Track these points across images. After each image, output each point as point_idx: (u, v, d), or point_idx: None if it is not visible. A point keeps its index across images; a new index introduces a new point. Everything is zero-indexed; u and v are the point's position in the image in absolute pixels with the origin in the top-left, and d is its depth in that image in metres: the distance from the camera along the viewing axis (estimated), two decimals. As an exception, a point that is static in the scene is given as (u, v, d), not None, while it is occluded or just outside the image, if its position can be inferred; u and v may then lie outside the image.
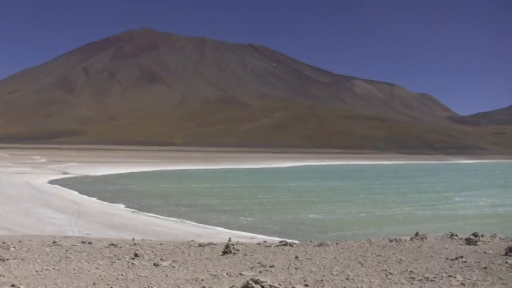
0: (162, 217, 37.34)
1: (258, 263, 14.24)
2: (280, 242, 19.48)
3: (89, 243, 18.32)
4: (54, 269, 12.77)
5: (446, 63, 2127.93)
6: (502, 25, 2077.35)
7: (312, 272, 12.86)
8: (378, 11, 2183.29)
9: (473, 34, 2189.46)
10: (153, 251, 16.50)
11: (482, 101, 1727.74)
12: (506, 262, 13.73)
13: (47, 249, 16.19)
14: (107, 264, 13.74)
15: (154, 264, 13.80)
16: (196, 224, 34.41)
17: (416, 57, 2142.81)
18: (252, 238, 26.73)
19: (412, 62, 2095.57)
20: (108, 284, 11.34)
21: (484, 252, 15.69)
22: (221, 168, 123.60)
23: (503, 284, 11.28)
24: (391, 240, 19.02)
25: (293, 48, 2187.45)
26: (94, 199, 48.13)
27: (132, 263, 13.94)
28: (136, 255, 15.02)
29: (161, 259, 14.79)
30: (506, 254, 15.08)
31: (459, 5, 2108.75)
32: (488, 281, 11.65)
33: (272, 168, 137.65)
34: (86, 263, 13.79)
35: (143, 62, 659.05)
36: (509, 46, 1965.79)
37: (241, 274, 12.53)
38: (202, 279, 11.91)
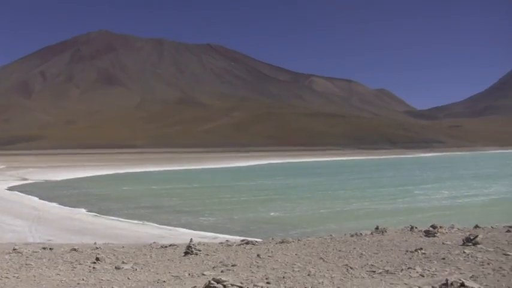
0: (124, 220, 37.10)
1: (220, 262, 14.26)
2: (242, 240, 19.52)
3: (50, 249, 18.09)
4: (14, 276, 12.61)
5: (402, 58, 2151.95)
6: (456, 18, 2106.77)
7: (273, 269, 12.92)
8: (334, 8, 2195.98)
9: (427, 28, 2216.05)
10: (114, 255, 16.40)
11: (439, 95, 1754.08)
12: (464, 252, 13.98)
13: (7, 256, 15.96)
14: (68, 270, 13.62)
15: (115, 268, 13.72)
16: (158, 225, 34.26)
17: (374, 53, 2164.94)
18: (214, 238, 26.72)
19: (369, 58, 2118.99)
20: (69, 289, 11.26)
21: (443, 243, 15.94)
22: (182, 169, 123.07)
23: (460, 273, 11.47)
24: (352, 235, 19.19)
25: (251, 47, 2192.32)
26: (54, 204, 47.54)
27: (94, 267, 13.85)
28: (97, 259, 14.92)
29: (123, 262, 14.72)
30: (463, 244, 15.35)
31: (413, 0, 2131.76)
32: (446, 271, 11.84)
33: (233, 167, 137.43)
34: (46, 269, 13.64)
35: (101, 65, 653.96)
36: (462, 40, 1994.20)
37: (203, 274, 12.53)
38: (164, 281, 11.90)
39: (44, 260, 15.38)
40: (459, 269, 12.03)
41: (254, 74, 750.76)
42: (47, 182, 79.31)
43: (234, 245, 18.45)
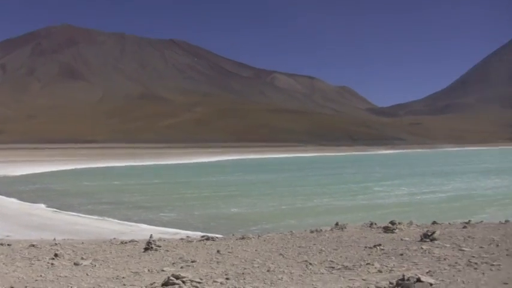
0: (85, 215, 36.72)
1: (180, 258, 14.27)
2: (203, 236, 19.57)
3: (8, 245, 17.89)
4: (-30, 273, 12.44)
5: (364, 56, 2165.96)
6: (416, 16, 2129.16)
7: (233, 265, 12.97)
8: (296, 4, 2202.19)
9: (388, 26, 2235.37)
10: (73, 251, 16.29)
11: (400, 92, 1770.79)
12: (421, 248, 14.20)
13: (-37, 253, 15.76)
14: (26, 266, 13.48)
15: (74, 264, 13.62)
16: (119, 221, 33.99)
17: (336, 50, 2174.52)
18: (175, 234, 26.62)
19: (331, 55, 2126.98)
20: (26, 286, 11.11)
21: (401, 240, 16.16)
22: (144, 165, 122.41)
23: (417, 268, 11.65)
24: (311, 231, 19.33)
25: (214, 43, 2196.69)
26: (13, 199, 46.88)
27: (52, 264, 13.72)
28: (56, 255, 14.78)
29: (82, 258, 14.62)
30: (421, 240, 15.58)
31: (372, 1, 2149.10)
32: (404, 266, 12.01)
33: (195, 163, 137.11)
34: (3, 266, 13.48)
35: (62, 59, 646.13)
36: (423, 39, 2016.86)
37: (162, 270, 12.52)
38: (123, 277, 11.85)
39: (1, 256, 15.19)
40: (416, 264, 12.22)
41: (217, 69, 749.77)
42: (5, 177, 78.13)
43: (195, 241, 18.48)
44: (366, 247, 14.99)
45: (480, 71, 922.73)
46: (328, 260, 13.27)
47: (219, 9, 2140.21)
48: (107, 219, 35.11)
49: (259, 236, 18.97)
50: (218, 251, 15.20)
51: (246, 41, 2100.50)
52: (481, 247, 14.15)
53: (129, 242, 18.48)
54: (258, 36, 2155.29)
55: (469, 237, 16.18)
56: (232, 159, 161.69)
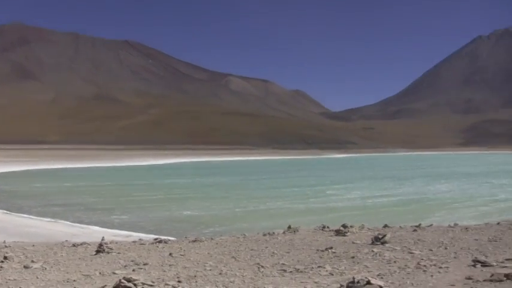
0: (36, 217, 36.24)
1: (132, 261, 14.16)
2: (155, 239, 19.46)
3: (-45, 247, 17.57)
4: None
5: (318, 60, 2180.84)
6: (369, 23, 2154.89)
7: (185, 268, 12.93)
8: (250, 7, 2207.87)
9: (341, 32, 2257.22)
10: (24, 253, 16.03)
11: (353, 97, 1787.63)
12: (372, 251, 14.37)
13: None
14: (-26, 269, 13.24)
15: (24, 267, 13.39)
16: (71, 223, 33.63)
17: (290, 54, 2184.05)
18: (127, 236, 26.46)
19: (286, 59, 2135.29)
20: (-26, 289, 10.96)
21: (353, 243, 16.33)
22: (97, 166, 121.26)
23: (368, 271, 11.78)
24: (264, 234, 19.40)
25: (169, 45, 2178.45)
26: (-39, 202, 46.03)
27: (1, 267, 13.46)
28: (5, 258, 14.51)
29: (32, 261, 14.38)
30: (372, 243, 15.77)
31: (327, 4, 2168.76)
32: (355, 269, 12.13)
33: (149, 165, 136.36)
34: (-49, 269, 13.22)
35: (14, 58, 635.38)
36: (375, 45, 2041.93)
37: (114, 273, 12.41)
38: (74, 280, 11.71)
39: (-51, 259, 14.88)
40: (367, 267, 12.36)
41: (171, 71, 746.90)
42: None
43: (147, 243, 18.36)
44: (317, 250, 15.10)
45: (432, 76, 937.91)
46: (280, 263, 13.33)
47: (174, 11, 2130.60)
48: (59, 221, 34.70)
49: (212, 238, 18.98)
50: (170, 254, 15.14)
51: (201, 43, 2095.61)
52: (430, 250, 14.41)
53: (81, 244, 18.26)
54: (213, 39, 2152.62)
55: (419, 240, 16.45)
56: (186, 162, 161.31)
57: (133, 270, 12.77)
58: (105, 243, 16.41)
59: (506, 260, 12.06)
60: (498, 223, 21.76)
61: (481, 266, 11.45)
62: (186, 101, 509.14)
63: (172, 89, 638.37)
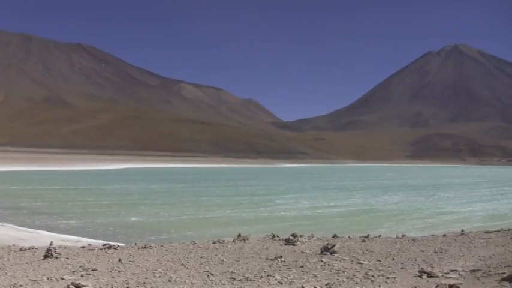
0: (-20, 221, 35.55)
1: (80, 266, 14.01)
2: (104, 245, 19.29)
3: None
4: None
5: (271, 70, 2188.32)
6: (321, 36, 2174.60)
7: (134, 274, 12.86)
8: (204, 14, 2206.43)
9: (294, 42, 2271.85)
10: (-32, 257, 15.77)
11: (304, 108, 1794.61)
12: (321, 260, 14.50)
13: None
14: None
15: (-31, 271, 13.19)
16: (18, 227, 32.97)
17: (243, 63, 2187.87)
18: (76, 241, 26.08)
19: (239, 67, 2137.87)
20: None
21: (302, 252, 16.46)
22: (45, 170, 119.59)
23: (317, 281, 11.89)
24: (214, 242, 19.41)
25: (122, 50, 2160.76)
26: None
27: None
28: (-51, 262, 14.27)
29: (-23, 265, 14.17)
30: (321, 253, 15.92)
31: (280, 15, 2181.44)
32: (303, 278, 12.23)
33: (98, 170, 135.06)
34: None
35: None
36: (328, 56, 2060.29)
37: (62, 278, 12.25)
38: (20, 285, 11.53)
39: None
40: (316, 276, 12.47)
41: (123, 76, 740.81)
42: None
43: (96, 249, 18.19)
44: (267, 259, 15.18)
45: (382, 90, 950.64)
46: (230, 271, 13.35)
47: (129, 16, 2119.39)
48: (6, 225, 34.04)
49: (161, 245, 18.92)
50: (119, 260, 15.04)
51: (154, 49, 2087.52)
52: (378, 260, 14.62)
53: (29, 249, 18.02)
54: (167, 45, 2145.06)
55: (367, 250, 16.67)
56: (136, 168, 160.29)
57: (82, 276, 12.64)
58: (54, 248, 16.20)
59: (451, 271, 12.31)
60: (444, 235, 22.22)
61: (427, 276, 11.67)
62: (137, 106, 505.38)
63: (124, 94, 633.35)
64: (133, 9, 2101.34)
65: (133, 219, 37.99)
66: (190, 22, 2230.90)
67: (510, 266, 12.18)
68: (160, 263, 14.67)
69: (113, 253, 16.87)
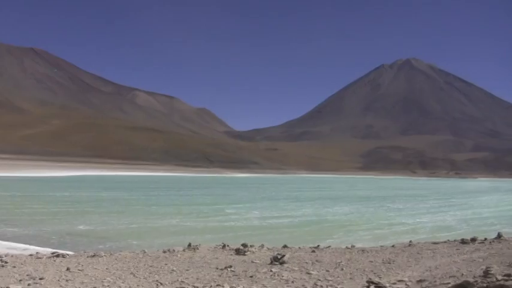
0: None
1: (28, 275, 13.82)
2: (53, 253, 19.05)
3: None
4: None
5: (224, 79, 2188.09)
6: (275, 46, 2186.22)
7: (83, 283, 12.75)
8: (158, 23, 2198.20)
9: (248, 52, 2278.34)
10: None
11: (257, 118, 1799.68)
12: (271, 270, 14.58)
13: None
14: None
15: None
16: (-37, 235, 32.36)
17: (197, 71, 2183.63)
18: (24, 249, 25.65)
19: (192, 76, 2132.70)
20: None
21: (252, 262, 16.52)
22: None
23: (266, 291, 11.98)
24: (164, 251, 19.35)
25: (75, 55, 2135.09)
26: None
27: None
28: None
29: None
30: (271, 263, 16.00)
31: (235, 24, 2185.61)
32: (253, 288, 12.31)
33: (48, 177, 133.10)
34: None
35: None
36: (282, 66, 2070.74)
37: (8, 287, 12.11)
38: (-35, 294, 11.37)
39: None
40: (265, 286, 12.54)
41: (77, 82, 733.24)
42: None
43: (44, 257, 17.96)
44: (217, 268, 15.20)
45: (335, 101, 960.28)
46: (179, 280, 13.34)
47: (83, 21, 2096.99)
48: (-51, 232, 33.33)
49: (111, 254, 18.77)
50: (68, 269, 14.88)
51: (108, 55, 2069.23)
52: (327, 270, 14.76)
53: (-26, 256, 17.70)
54: (121, 52, 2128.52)
55: (316, 261, 16.81)
56: (88, 175, 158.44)
57: (29, 284, 12.49)
58: (0, 256, 15.96)
59: (399, 281, 12.51)
60: (392, 246, 22.54)
61: (375, 286, 11.82)
62: (90, 113, 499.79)
63: (77, 100, 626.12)
64: (89, 16, 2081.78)
65: (83, 227, 37.51)
66: (146, 30, 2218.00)
67: (455, 277, 12.42)
68: (110, 272, 14.57)
69: (61, 261, 16.67)
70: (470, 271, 13.31)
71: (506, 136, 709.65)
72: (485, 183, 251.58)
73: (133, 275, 14.10)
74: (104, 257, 17.73)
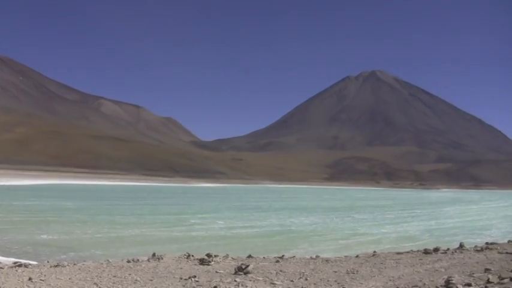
0: None
1: (-12, 285, 13.68)
2: (15, 263, 18.84)
3: None
4: None
5: (191, 89, 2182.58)
6: (237, 55, 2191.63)
7: (45, 293, 12.64)
8: (123, 30, 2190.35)
9: (214, 63, 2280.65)
10: None
11: (223, 128, 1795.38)
12: (235, 280, 14.61)
13: None
14: None
15: None
16: None
17: (163, 80, 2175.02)
18: (-16, 260, 25.33)
19: (158, 85, 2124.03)
20: None
21: (216, 272, 16.52)
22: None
23: (229, 301, 12.00)
24: (128, 261, 19.24)
25: (41, 63, 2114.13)
26: None
27: None
28: None
29: None
30: (235, 273, 16.02)
31: (199, 33, 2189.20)
32: (216, 298, 12.32)
33: (11, 185, 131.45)
34: None
35: None
36: (246, 77, 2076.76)
37: (-33, 298, 11.96)
38: None
39: None
40: (229, 296, 12.57)
41: (42, 90, 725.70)
42: None
43: (6, 267, 17.71)
44: (181, 278, 15.18)
45: (301, 112, 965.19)
46: (143, 290, 13.31)
47: (48, 29, 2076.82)
48: None
49: (74, 264, 18.58)
50: (30, 279, 14.72)
51: (73, 63, 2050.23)
52: (291, 281, 14.83)
53: None
54: (86, 60, 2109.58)
55: (281, 271, 16.86)
56: (52, 184, 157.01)
57: (-11, 295, 12.34)
58: (-41, 266, 15.74)
59: (361, 291, 12.61)
60: (357, 256, 22.69)
61: (339, 297, 11.91)
62: (55, 121, 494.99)
63: (42, 108, 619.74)
64: (53, 23, 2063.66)
65: (45, 236, 37.09)
66: (111, 38, 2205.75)
67: (417, 286, 12.57)
68: (72, 282, 14.46)
69: (23, 272, 16.47)
70: (432, 281, 13.48)
71: (468, 147, 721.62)
72: (448, 194, 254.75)
73: (97, 285, 14.02)
74: (67, 267, 17.56)
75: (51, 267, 17.66)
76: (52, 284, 14.01)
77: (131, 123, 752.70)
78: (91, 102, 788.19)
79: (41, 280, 14.64)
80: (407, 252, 23.92)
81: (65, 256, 27.86)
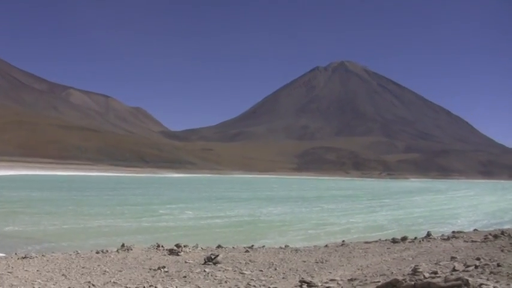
0: None
1: (-46, 277, 13.51)
2: (-20, 255, 18.65)
3: None
4: None
5: (159, 78, 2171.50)
6: (207, 45, 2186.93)
7: (12, 286, 12.53)
8: (92, 20, 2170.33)
9: (185, 53, 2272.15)
10: None
11: (192, 118, 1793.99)
12: (205, 271, 14.63)
13: None
14: None
15: None
16: None
17: (132, 70, 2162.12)
18: (-51, 251, 25.03)
19: (127, 75, 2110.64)
20: None
21: (185, 262, 16.53)
22: None
23: (199, 291, 12.01)
24: (97, 252, 19.15)
25: (7, 53, 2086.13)
26: None
27: None
28: None
29: None
30: (205, 263, 16.05)
31: (168, 22, 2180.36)
32: (186, 288, 12.33)
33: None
34: None
35: None
36: (216, 66, 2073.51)
37: None
38: None
39: None
40: (198, 286, 12.59)
41: (8, 79, 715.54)
42: None
43: (-29, 259, 17.55)
44: (150, 269, 15.16)
45: (271, 102, 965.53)
46: (112, 281, 13.25)
47: (16, 18, 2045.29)
48: None
49: (42, 255, 18.43)
50: (-3, 271, 14.60)
51: (41, 53, 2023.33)
52: (261, 270, 14.88)
53: None
54: (55, 49, 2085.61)
55: (250, 261, 16.93)
56: (19, 174, 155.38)
57: (-45, 287, 12.22)
58: None
59: (330, 280, 12.70)
60: (326, 245, 22.89)
61: (307, 286, 11.98)
62: (22, 111, 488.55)
63: (9, 98, 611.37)
64: (21, 12, 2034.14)
65: (12, 228, 36.73)
66: (79, 27, 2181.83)
67: (385, 275, 12.69)
68: (41, 274, 14.35)
69: (-11, 264, 16.32)
70: (400, 269, 13.63)
71: (436, 138, 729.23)
72: (416, 183, 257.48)
73: (65, 277, 13.93)
74: (35, 259, 17.42)
75: (18, 259, 17.51)
76: (19, 276, 13.89)
77: (100, 113, 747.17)
78: (59, 92, 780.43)
79: (8, 272, 14.50)
80: (376, 241, 24.14)
81: (32, 247, 27.60)
